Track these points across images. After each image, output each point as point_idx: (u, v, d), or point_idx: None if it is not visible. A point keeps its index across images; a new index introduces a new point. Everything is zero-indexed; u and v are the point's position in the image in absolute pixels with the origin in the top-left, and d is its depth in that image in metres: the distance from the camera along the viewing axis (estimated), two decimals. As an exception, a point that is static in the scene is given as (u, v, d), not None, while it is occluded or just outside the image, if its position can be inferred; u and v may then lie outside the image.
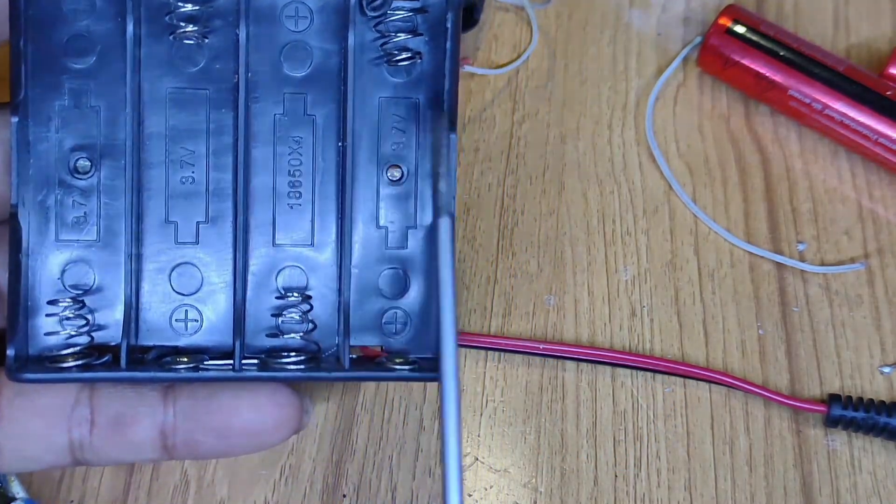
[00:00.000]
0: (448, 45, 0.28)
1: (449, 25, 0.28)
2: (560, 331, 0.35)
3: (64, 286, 0.27)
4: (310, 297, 0.28)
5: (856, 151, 0.38)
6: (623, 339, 0.34)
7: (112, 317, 0.28)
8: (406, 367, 0.28)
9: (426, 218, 0.29)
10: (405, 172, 0.29)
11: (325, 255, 0.29)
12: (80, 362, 0.26)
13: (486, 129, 0.39)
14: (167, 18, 0.27)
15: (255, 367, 0.27)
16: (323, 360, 0.28)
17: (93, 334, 0.27)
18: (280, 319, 0.28)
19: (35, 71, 0.27)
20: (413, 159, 0.29)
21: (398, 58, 0.28)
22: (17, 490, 0.30)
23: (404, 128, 0.29)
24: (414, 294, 0.29)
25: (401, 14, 0.28)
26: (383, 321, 0.29)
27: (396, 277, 0.29)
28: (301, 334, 0.28)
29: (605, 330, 0.35)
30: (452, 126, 0.28)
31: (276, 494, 0.31)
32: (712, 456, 0.32)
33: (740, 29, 0.38)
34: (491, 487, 0.32)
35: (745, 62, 0.38)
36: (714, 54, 0.39)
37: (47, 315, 0.27)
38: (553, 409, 0.33)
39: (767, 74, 0.38)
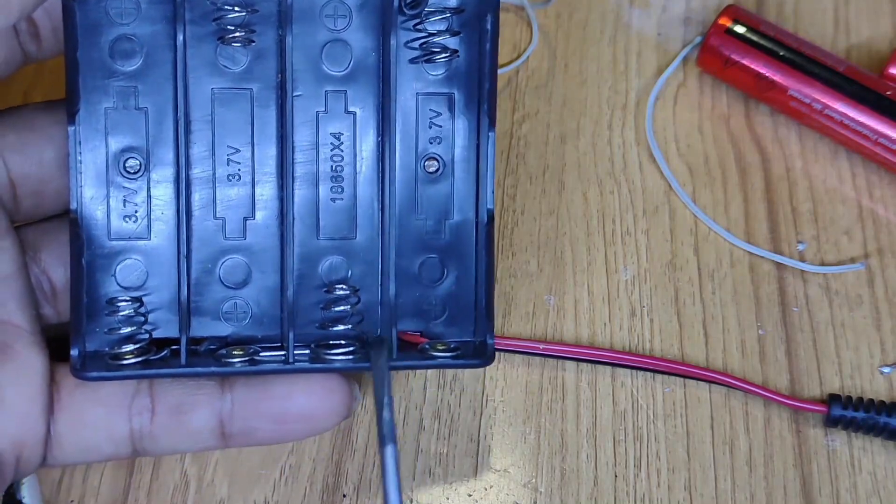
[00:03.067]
0: (488, 46, 0.29)
1: (489, 27, 0.29)
2: (560, 331, 0.35)
3: (118, 284, 0.28)
4: (357, 289, 0.29)
5: (856, 151, 0.38)
6: (623, 339, 0.34)
7: (164, 312, 0.29)
8: (448, 353, 0.29)
9: (461, 207, 0.30)
10: (441, 165, 0.29)
11: (367, 246, 0.29)
12: (140, 359, 0.27)
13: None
14: (214, 24, 0.28)
15: (306, 358, 0.28)
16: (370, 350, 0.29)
17: (150, 330, 0.28)
18: (328, 311, 0.29)
19: (83, 75, 0.27)
20: (449, 152, 0.29)
21: (436, 56, 0.29)
22: (24, 493, 0.30)
23: (440, 122, 0.29)
24: (450, 281, 0.30)
25: (438, 13, 0.28)
26: (422, 307, 0.30)
27: (433, 265, 0.30)
28: (350, 326, 0.29)
29: (605, 330, 0.35)
30: (492, 124, 0.29)
31: (276, 494, 0.31)
32: (712, 456, 0.32)
33: (740, 29, 0.38)
34: (491, 487, 0.32)
35: (745, 62, 0.38)
36: (714, 54, 0.39)
37: (107, 314, 0.28)
38: (553, 409, 0.33)
39: (767, 74, 0.38)
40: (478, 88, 0.29)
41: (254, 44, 0.28)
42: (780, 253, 0.36)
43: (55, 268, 0.29)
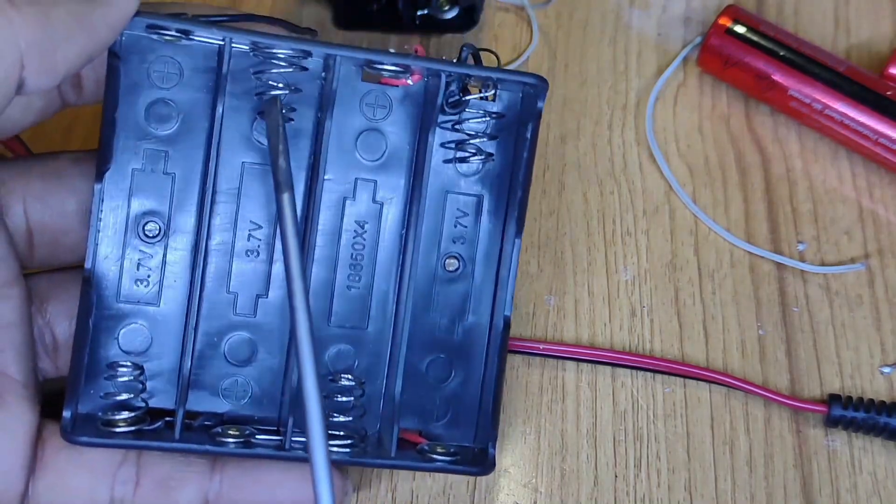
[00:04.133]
0: (525, 154, 0.29)
1: (528, 135, 0.28)
2: (560, 331, 0.34)
3: (120, 348, 0.27)
4: (363, 382, 0.29)
5: (856, 151, 0.38)
6: (623, 339, 0.34)
7: (163, 382, 0.28)
8: (447, 458, 0.28)
9: (477, 309, 0.29)
10: (462, 265, 0.29)
11: (377, 337, 0.29)
12: (132, 428, 0.27)
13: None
14: (256, 98, 0.27)
15: (302, 446, 0.27)
16: (368, 444, 0.29)
17: (146, 399, 0.27)
18: (330, 400, 0.28)
19: (116, 133, 0.27)
20: (472, 252, 0.29)
21: (471, 157, 0.28)
22: None
23: (466, 223, 0.29)
24: (456, 381, 0.29)
25: (479, 116, 0.28)
26: (426, 406, 0.29)
27: (442, 364, 0.29)
28: (351, 418, 0.28)
29: (605, 330, 0.35)
30: (519, 232, 0.29)
31: (276, 494, 0.31)
32: (712, 456, 0.32)
33: (740, 29, 0.38)
34: (491, 487, 0.32)
35: (745, 62, 0.38)
36: (714, 54, 0.39)
37: (106, 378, 0.27)
38: (553, 409, 0.33)
39: (767, 74, 0.38)
40: (507, 193, 0.29)
41: (292, 122, 0.28)
42: (780, 253, 0.36)
43: (60, 321, 0.28)
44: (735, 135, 0.39)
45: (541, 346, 0.33)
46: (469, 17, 0.39)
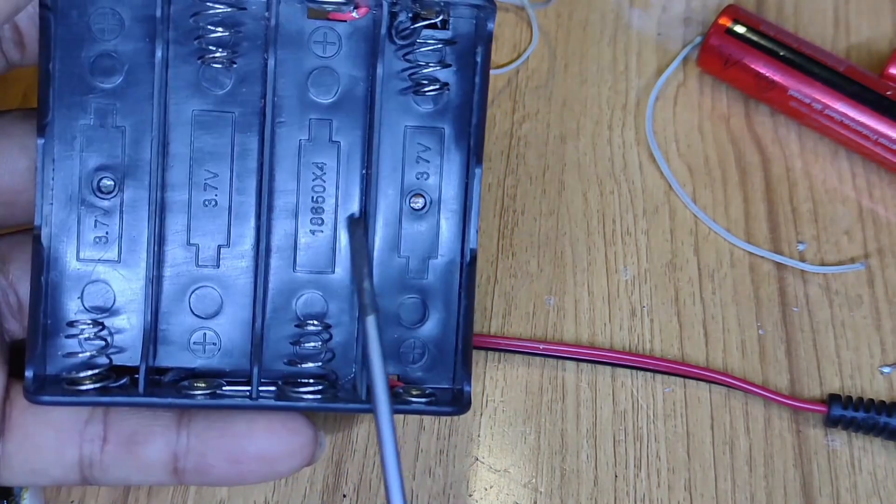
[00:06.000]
0: (477, 79, 0.28)
1: (479, 59, 0.28)
2: (560, 331, 0.35)
3: (83, 306, 0.27)
4: (330, 326, 0.28)
5: (856, 151, 0.38)
6: (623, 339, 0.34)
7: (130, 338, 0.27)
8: (423, 399, 0.28)
9: (447, 248, 0.29)
10: (428, 202, 0.29)
11: (346, 282, 0.28)
12: (97, 385, 0.26)
13: (487, 129, 0.38)
14: (196, 43, 0.27)
15: (272, 395, 0.27)
16: (339, 389, 0.28)
17: (111, 356, 0.27)
18: (298, 347, 0.28)
19: (61, 89, 0.27)
20: (437, 188, 0.29)
21: (426, 88, 0.28)
22: (25, 496, 0.30)
23: (429, 157, 0.28)
24: (432, 323, 0.29)
25: (430, 45, 0.28)
26: (400, 350, 0.29)
27: (415, 306, 0.29)
28: (320, 363, 0.28)
29: (605, 330, 0.35)
30: (478, 161, 0.28)
31: (276, 494, 0.31)
32: (712, 456, 0.32)
33: (740, 29, 0.38)
34: (491, 487, 0.32)
35: (745, 62, 0.38)
36: (714, 54, 0.39)
37: (67, 336, 0.27)
38: (553, 409, 0.33)
39: (767, 74, 0.38)
40: (469, 124, 0.28)
41: (236, 66, 0.27)
42: (780, 253, 0.36)
43: (23, 282, 0.28)
44: (735, 135, 0.39)
45: (541, 346, 0.33)
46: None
